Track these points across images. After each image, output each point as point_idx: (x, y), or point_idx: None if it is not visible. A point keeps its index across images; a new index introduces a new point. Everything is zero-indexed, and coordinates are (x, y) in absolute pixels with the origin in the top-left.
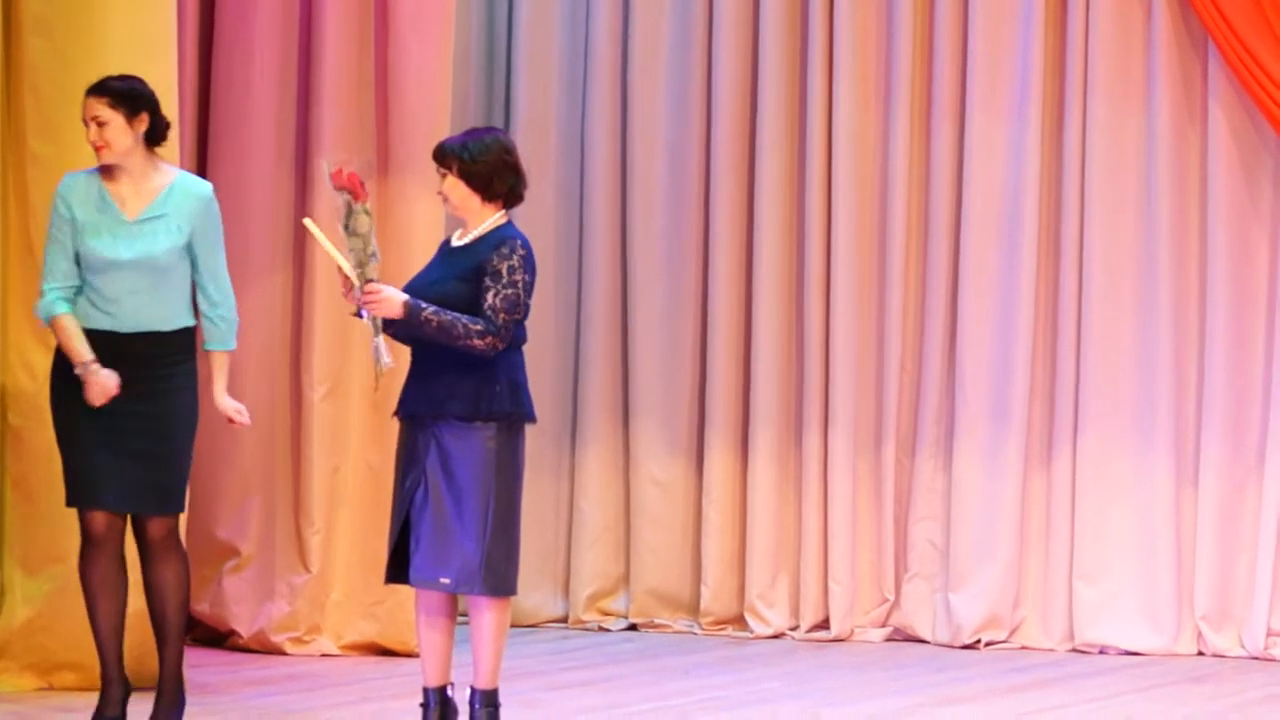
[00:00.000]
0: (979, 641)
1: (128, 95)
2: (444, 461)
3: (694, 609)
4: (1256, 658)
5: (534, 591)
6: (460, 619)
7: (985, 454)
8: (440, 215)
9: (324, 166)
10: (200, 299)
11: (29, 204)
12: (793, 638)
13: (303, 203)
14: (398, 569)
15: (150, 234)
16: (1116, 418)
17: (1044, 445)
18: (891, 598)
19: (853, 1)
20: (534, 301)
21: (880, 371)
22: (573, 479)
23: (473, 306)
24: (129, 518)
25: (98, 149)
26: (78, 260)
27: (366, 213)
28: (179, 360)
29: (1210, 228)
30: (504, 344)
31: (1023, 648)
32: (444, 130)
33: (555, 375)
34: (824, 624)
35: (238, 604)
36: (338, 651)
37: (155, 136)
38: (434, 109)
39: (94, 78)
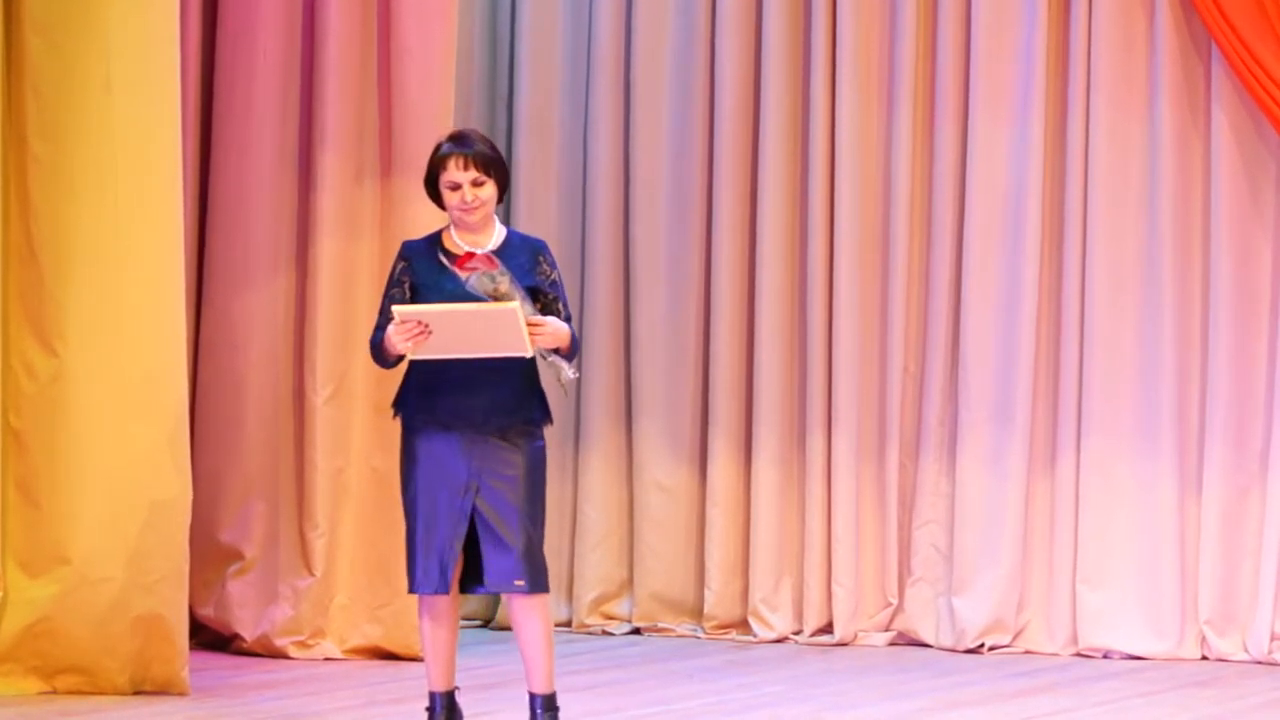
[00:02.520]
0: (983, 646)
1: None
2: (501, 469)
3: (697, 613)
4: (1260, 662)
5: None
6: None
7: (988, 457)
8: (444, 217)
9: (469, 280)
10: None
11: (30, 204)
12: (796, 642)
13: (305, 203)
14: (442, 579)
15: None
16: (1120, 421)
17: (1047, 448)
18: (895, 602)
19: (856, 2)
20: None
21: (883, 374)
22: (576, 483)
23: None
24: None
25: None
26: None
27: (499, 274)
28: None
29: (1213, 231)
30: None
31: (1026, 652)
32: (447, 130)
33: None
34: (827, 628)
35: (241, 608)
36: (341, 655)
37: None
38: (437, 108)
39: (96, 77)
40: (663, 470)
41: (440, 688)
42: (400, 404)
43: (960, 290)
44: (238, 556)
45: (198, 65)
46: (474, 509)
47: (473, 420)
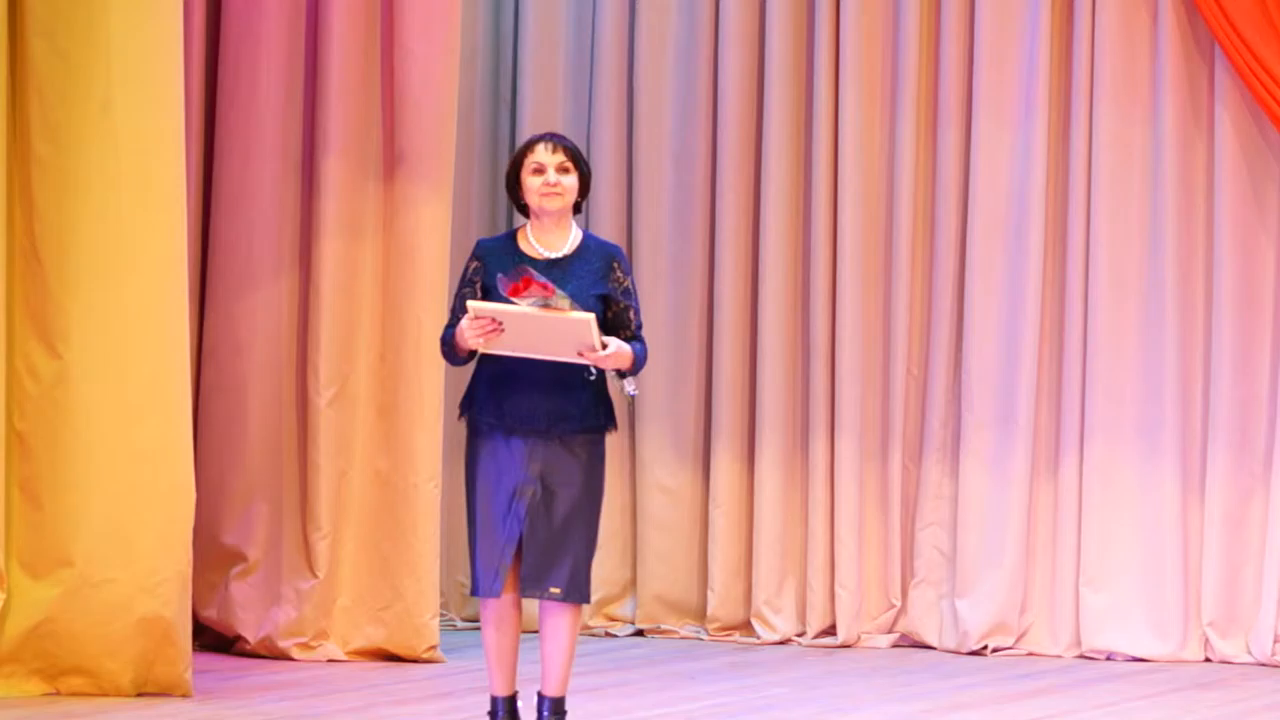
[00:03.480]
0: (986, 648)
1: None
2: (560, 474)
3: (701, 615)
4: (1263, 664)
5: None
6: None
7: (992, 460)
8: (447, 219)
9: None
10: None
11: (33, 206)
12: (799, 644)
13: (309, 206)
14: (496, 581)
15: None
16: (1123, 424)
17: (1050, 451)
18: (898, 604)
19: (859, 5)
20: None
21: (886, 377)
22: None
23: (602, 318)
24: None
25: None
26: None
27: (557, 300)
28: None
29: (1216, 233)
30: None
31: (1030, 654)
32: (451, 133)
33: None
34: (830, 630)
35: (244, 609)
36: (344, 657)
37: None
38: (440, 111)
39: (99, 80)
40: (666, 472)
41: (502, 692)
42: (466, 405)
43: (963, 292)
44: (241, 558)
45: (201, 68)
46: (529, 512)
47: (536, 425)
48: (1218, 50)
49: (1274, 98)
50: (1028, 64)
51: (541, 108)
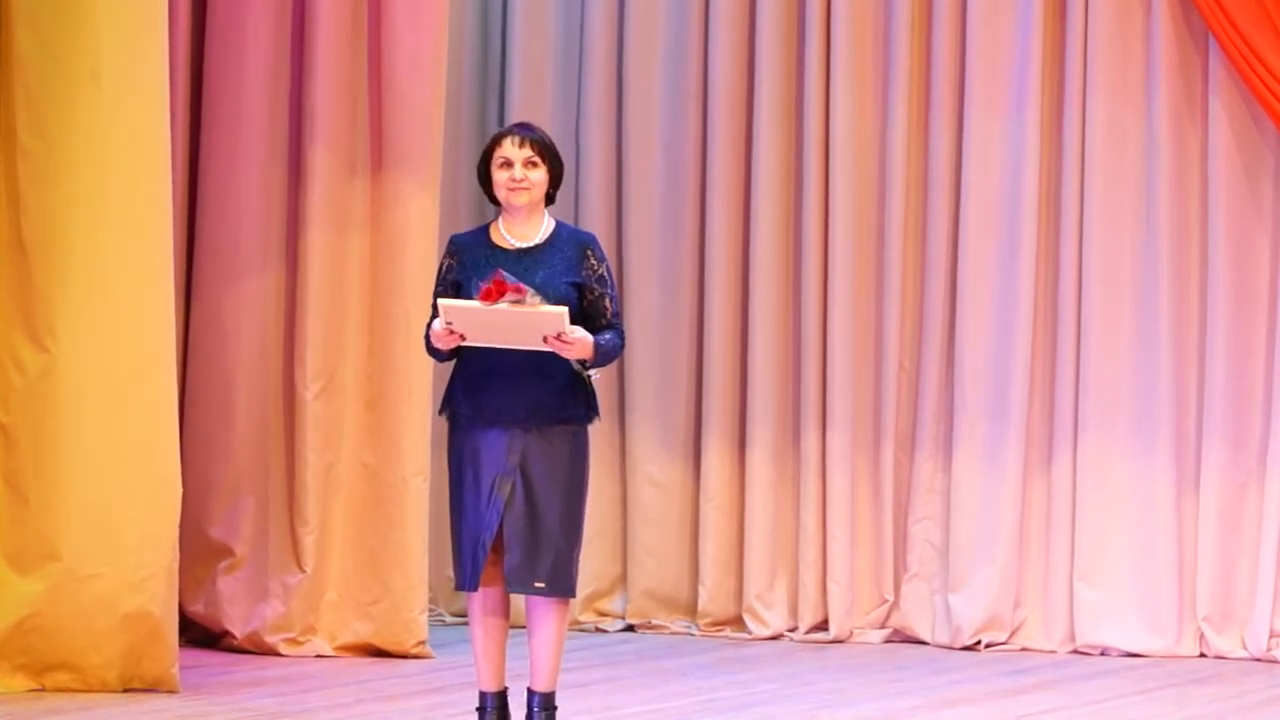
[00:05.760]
0: (979, 643)
1: None
2: (540, 466)
3: (691, 610)
4: (1259, 659)
5: None
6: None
7: (985, 453)
8: (434, 212)
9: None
10: None
11: (19, 198)
12: (791, 639)
13: (296, 198)
14: (473, 574)
15: None
16: (1117, 417)
17: (1044, 444)
18: (891, 599)
19: None
20: None
21: (878, 370)
22: None
23: (577, 306)
24: None
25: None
26: None
27: (530, 299)
28: None
29: (1211, 226)
30: None
31: (1023, 649)
32: (439, 125)
33: None
34: (823, 625)
35: (231, 604)
36: (332, 653)
37: None
38: (428, 104)
39: (85, 72)
40: (656, 466)
41: (490, 687)
42: (446, 401)
43: (956, 285)
44: (228, 553)
45: (187, 59)
46: (508, 506)
47: (516, 417)
48: (1212, 41)
49: (1269, 89)
50: (1020, 54)
51: (530, 100)
